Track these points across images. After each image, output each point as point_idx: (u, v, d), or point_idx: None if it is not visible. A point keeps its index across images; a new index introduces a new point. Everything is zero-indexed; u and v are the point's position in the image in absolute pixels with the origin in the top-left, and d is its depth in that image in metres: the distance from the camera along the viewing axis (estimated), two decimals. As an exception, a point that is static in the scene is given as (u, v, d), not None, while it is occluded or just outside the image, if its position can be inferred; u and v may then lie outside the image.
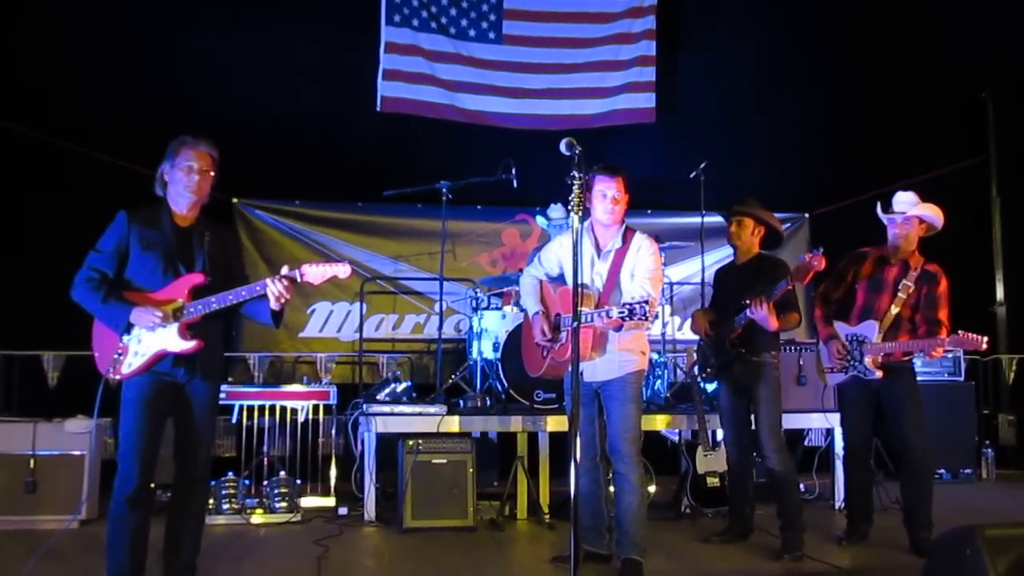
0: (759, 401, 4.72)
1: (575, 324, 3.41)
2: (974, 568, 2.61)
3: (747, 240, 4.91)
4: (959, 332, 4.49)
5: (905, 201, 4.85)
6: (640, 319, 3.70)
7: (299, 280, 3.57)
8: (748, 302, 4.55)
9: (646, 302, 3.71)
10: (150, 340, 3.55)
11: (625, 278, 4.23)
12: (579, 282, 3.55)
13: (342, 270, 3.62)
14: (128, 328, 3.54)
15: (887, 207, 4.89)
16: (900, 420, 4.80)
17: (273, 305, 3.58)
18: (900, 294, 4.77)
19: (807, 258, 4.39)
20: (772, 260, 4.87)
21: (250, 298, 3.60)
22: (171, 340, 3.56)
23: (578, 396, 3.29)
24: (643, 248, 4.24)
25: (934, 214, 4.81)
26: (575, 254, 3.40)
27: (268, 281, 3.54)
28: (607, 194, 4.19)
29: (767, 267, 4.78)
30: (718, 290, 5.15)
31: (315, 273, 3.59)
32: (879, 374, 4.72)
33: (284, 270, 3.59)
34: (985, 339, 4.45)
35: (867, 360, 4.74)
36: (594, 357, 4.17)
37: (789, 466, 4.74)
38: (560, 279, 4.48)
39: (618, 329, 4.04)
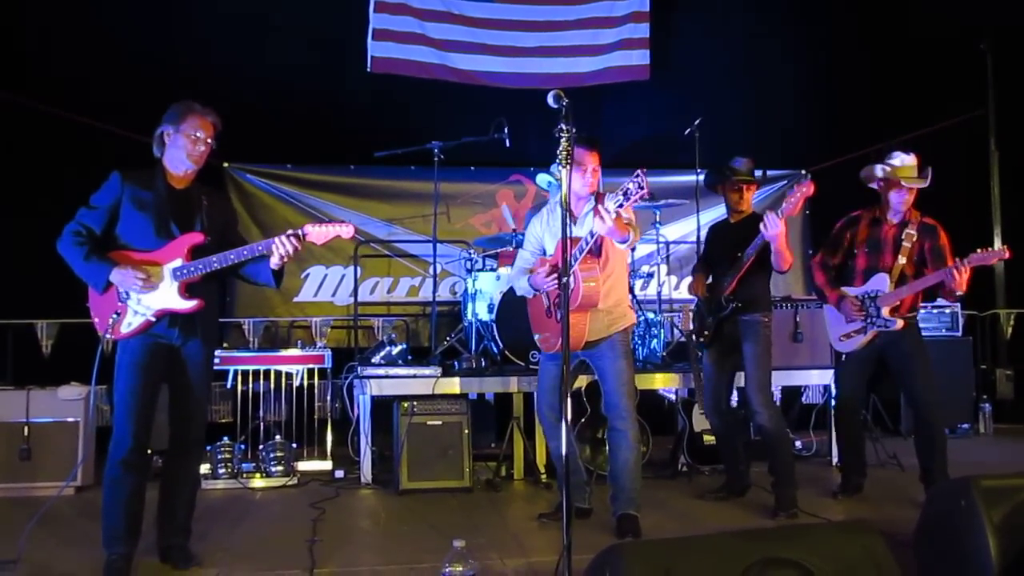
0: (747, 358, 4.68)
1: (567, 279, 3.37)
2: (969, 518, 2.61)
3: (749, 202, 4.90)
4: (977, 250, 4.42)
5: (910, 167, 4.75)
6: (638, 191, 3.59)
7: (303, 239, 3.55)
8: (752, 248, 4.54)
9: (636, 175, 3.60)
10: (150, 299, 3.53)
11: None
12: (568, 235, 3.52)
13: (345, 230, 3.60)
14: (107, 287, 3.52)
15: (883, 168, 4.80)
16: (908, 376, 4.78)
17: (275, 262, 3.57)
18: (905, 243, 4.73)
19: (796, 187, 4.33)
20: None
21: (251, 258, 3.59)
22: (172, 299, 3.55)
23: (568, 356, 3.27)
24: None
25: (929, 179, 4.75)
26: (564, 209, 3.36)
27: (275, 240, 3.53)
28: (588, 167, 4.19)
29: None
30: (711, 246, 5.09)
31: (318, 233, 3.58)
32: (900, 323, 4.67)
33: None
34: (1006, 248, 4.40)
35: (884, 310, 4.70)
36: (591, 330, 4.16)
37: (778, 422, 4.72)
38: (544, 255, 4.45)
39: (624, 241, 3.98)
